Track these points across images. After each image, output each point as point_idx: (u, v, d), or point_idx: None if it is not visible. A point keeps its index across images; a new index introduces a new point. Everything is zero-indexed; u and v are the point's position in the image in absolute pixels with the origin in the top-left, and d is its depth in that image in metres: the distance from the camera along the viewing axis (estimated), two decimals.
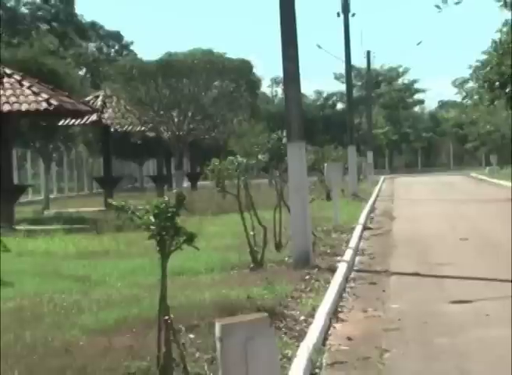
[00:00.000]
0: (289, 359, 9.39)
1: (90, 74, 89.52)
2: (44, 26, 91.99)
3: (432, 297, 14.37)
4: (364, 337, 11.46)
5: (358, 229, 24.87)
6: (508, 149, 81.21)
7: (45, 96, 31.40)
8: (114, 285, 14.92)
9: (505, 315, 12.63)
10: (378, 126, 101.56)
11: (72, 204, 45.04)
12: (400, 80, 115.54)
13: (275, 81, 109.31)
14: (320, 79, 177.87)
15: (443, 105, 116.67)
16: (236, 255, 17.72)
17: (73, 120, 42.99)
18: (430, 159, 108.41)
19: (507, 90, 33.85)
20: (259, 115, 64.57)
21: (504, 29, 31.25)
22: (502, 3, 21.18)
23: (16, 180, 40.04)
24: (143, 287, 13.97)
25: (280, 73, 17.89)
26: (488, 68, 35.17)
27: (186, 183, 54.40)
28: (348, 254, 19.08)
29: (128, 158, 60.02)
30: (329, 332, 11.74)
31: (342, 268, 16.84)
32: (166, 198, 8.67)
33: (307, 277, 15.73)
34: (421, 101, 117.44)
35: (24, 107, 30.94)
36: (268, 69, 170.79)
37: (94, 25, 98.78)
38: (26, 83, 31.87)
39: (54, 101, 31.35)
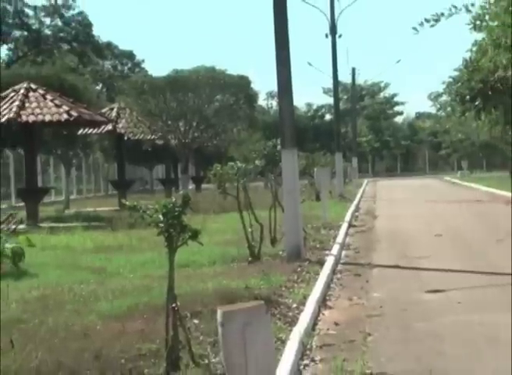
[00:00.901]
0: (283, 342, 9.39)
1: (106, 89, 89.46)
2: (65, 46, 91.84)
3: (410, 287, 14.37)
4: (349, 322, 11.45)
5: (344, 226, 24.87)
6: (477, 155, 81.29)
7: (66, 108, 31.41)
8: (127, 276, 14.92)
9: (474, 302, 12.66)
10: (362, 134, 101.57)
11: (90, 204, 44.97)
12: (381, 94, 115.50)
13: (270, 95, 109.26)
14: (310, 93, 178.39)
15: (420, 116, 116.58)
16: (236, 249, 17.72)
17: (91, 130, 42.93)
18: (408, 164, 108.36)
19: (476, 103, 33.85)
20: (256, 125, 64.43)
21: (473, 49, 31.26)
22: (471, 26, 21.13)
23: (39, 183, 39.92)
24: (153, 278, 13.97)
25: (275, 88, 17.94)
26: (459, 83, 35.17)
27: (191, 186, 54.39)
28: (335, 248, 19.09)
29: (139, 163, 60.01)
30: (318, 318, 11.73)
31: (330, 261, 16.85)
32: (173, 199, 8.66)
33: (299, 269, 15.73)
34: (400, 113, 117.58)
35: (47, 118, 30.91)
36: (264, 84, 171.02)
37: (109, 45, 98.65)
38: (49, 97, 31.86)
39: (74, 113, 31.35)
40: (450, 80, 37.43)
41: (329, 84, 73.14)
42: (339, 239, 21.26)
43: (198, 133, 45.73)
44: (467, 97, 34.19)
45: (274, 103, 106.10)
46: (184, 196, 8.68)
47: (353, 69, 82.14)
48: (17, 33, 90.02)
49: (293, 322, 10.75)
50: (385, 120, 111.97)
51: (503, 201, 37.98)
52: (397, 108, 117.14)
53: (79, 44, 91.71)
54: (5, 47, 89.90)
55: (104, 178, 64.80)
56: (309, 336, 10.34)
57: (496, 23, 20.11)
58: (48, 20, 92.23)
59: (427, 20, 21.38)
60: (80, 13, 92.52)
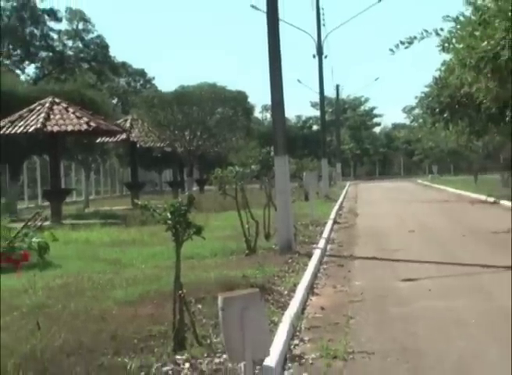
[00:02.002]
0: (276, 324, 9.39)
1: (121, 103, 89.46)
2: (85, 65, 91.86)
3: (387, 276, 14.37)
4: (333, 307, 11.45)
5: (329, 223, 24.86)
6: (446, 161, 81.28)
7: (86, 119, 31.42)
8: (139, 267, 14.92)
9: (443, 290, 12.67)
10: (345, 143, 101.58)
11: (107, 203, 44.95)
12: (361, 107, 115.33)
13: (264, 108, 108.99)
14: (300, 106, 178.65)
15: (395, 126, 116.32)
16: (234, 243, 17.72)
17: (107, 138, 43.00)
18: (385, 169, 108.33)
19: (445, 115, 33.83)
20: (252, 134, 64.46)
21: (442, 68, 31.29)
22: (441, 48, 21.18)
23: (63, 185, 39.88)
24: (161, 268, 13.96)
25: (269, 102, 17.98)
26: (430, 98, 35.14)
27: (195, 188, 54.34)
28: (322, 242, 19.08)
29: (150, 167, 59.99)
30: (307, 303, 11.72)
31: (317, 253, 16.84)
32: (180, 199, 8.67)
33: (290, 261, 15.73)
34: (378, 124, 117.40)
35: (69, 128, 30.92)
36: (259, 98, 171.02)
37: (124, 64, 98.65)
38: (71, 110, 31.86)
39: (92, 124, 31.36)
40: (422, 95, 37.36)
41: (316, 99, 73.06)
42: (325, 234, 21.25)
43: (201, 142, 45.77)
44: (437, 110, 34.17)
45: (268, 115, 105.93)
46: (189, 197, 8.68)
47: (337, 86, 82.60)
48: (43, 54, 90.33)
49: (284, 307, 10.75)
50: (365, 130, 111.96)
51: (468, 201, 38.08)
52: (376, 120, 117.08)
53: (97, 63, 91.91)
54: (32, 66, 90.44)
55: (119, 181, 64.76)
56: (298, 319, 10.34)
57: (461, 46, 20.13)
58: (70, 43, 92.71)
59: (402, 43, 21.41)
60: (98, 36, 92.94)
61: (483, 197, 38.31)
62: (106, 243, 19.82)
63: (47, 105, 32.02)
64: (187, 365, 7.92)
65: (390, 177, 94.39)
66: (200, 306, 10.37)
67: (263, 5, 18.84)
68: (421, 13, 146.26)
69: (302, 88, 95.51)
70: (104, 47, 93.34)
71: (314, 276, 14.30)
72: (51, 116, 31.29)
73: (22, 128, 30.81)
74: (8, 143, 34.22)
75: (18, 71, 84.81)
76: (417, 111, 44.15)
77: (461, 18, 20.53)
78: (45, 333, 8.97)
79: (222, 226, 21.99)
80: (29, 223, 15.96)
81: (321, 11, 51.27)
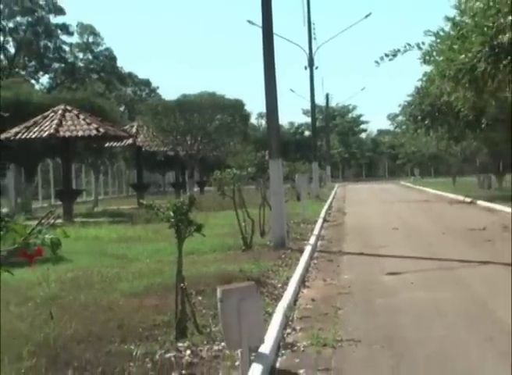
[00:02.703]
0: (270, 315, 9.39)
1: (128, 110, 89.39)
2: (95, 76, 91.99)
3: (372, 270, 14.37)
4: (323, 299, 11.45)
5: (320, 221, 24.86)
6: (427, 164, 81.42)
7: (95, 125, 31.44)
8: (144, 261, 14.92)
9: (424, 282, 12.68)
10: (334, 147, 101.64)
11: (114, 203, 44.93)
12: (349, 115, 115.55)
13: (260, 115, 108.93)
14: (292, 113, 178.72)
15: (380, 132, 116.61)
16: (232, 240, 17.71)
17: (115, 143, 42.93)
18: (371, 171, 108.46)
19: (426, 122, 33.90)
20: (249, 139, 64.43)
21: (424, 78, 31.32)
22: (422, 60, 21.22)
23: (74, 186, 39.86)
24: (164, 263, 13.94)
25: (264, 109, 18.04)
26: (412, 106, 35.24)
27: (196, 188, 54.26)
28: (312, 239, 19.08)
29: (154, 170, 59.98)
30: (299, 295, 11.72)
31: (308, 249, 16.84)
32: (182, 199, 8.67)
33: (283, 256, 15.73)
34: (365, 130, 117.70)
35: (80, 133, 30.93)
36: (255, 106, 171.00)
37: (130, 74, 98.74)
38: (81, 116, 31.88)
39: (101, 129, 31.39)
40: (405, 103, 37.47)
41: (308, 107, 73.04)
42: (316, 232, 21.25)
43: (202, 146, 45.74)
44: (419, 117, 34.25)
45: (263, 122, 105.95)
46: (190, 197, 8.68)
47: (327, 95, 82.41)
48: (56, 65, 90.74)
49: (278, 298, 10.75)
50: (353, 136, 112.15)
51: (447, 201, 38.11)
52: (362, 126, 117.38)
53: (106, 74, 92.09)
54: (46, 76, 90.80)
55: (126, 182, 64.70)
56: (291, 310, 10.33)
57: (441, 58, 20.15)
58: (81, 55, 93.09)
59: (386, 55, 21.43)
60: (107, 49, 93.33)
61: (461, 197, 38.35)
62: (114, 239, 19.83)
63: (59, 112, 32.05)
64: (188, 352, 7.92)
65: (376, 179, 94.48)
66: (200, 298, 10.38)
67: (259, 20, 18.85)
68: (404, 28, 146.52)
69: (294, 97, 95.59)
70: (112, 58, 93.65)
71: (306, 270, 14.30)
72: (64, 123, 31.31)
73: (36, 133, 30.85)
74: (23, 147, 34.29)
75: (33, 81, 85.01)
76: (400, 118, 44.28)
77: (441, 33, 20.57)
78: (57, 323, 8.97)
79: (221, 224, 21.97)
80: (42, 221, 15.94)
81: (312, 26, 51.40)
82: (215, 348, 8.03)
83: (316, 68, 51.87)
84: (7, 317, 9.44)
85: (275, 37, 18.67)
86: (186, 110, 44.67)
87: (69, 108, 32.64)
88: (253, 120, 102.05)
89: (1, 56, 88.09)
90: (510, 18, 16.31)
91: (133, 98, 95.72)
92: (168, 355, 7.78)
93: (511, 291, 10.82)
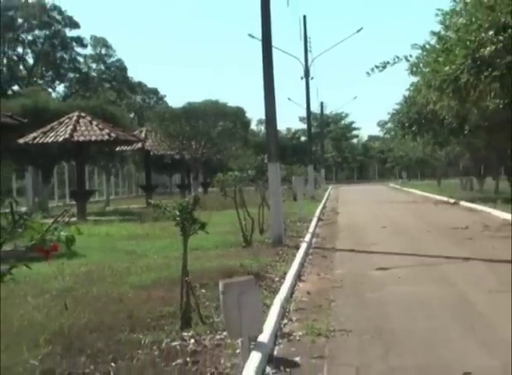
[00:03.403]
0: (268, 306, 9.38)
1: (137, 117, 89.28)
2: (107, 85, 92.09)
3: (363, 265, 14.37)
4: (318, 292, 11.45)
5: (314, 220, 24.87)
6: (414, 168, 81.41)
7: (107, 131, 31.48)
8: (152, 257, 14.92)
9: (410, 277, 12.68)
10: (328, 151, 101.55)
11: (124, 203, 44.96)
12: (342, 122, 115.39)
13: (260, 121, 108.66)
14: (290, 120, 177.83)
15: (371, 138, 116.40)
16: (233, 237, 17.71)
17: (125, 147, 42.95)
18: (362, 174, 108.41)
19: (413, 129, 33.91)
20: (249, 144, 64.48)
21: (411, 88, 31.38)
22: (410, 71, 21.26)
23: (87, 187, 39.84)
24: (171, 258, 13.93)
25: (263, 116, 18.03)
26: (400, 114, 35.25)
27: (200, 189, 54.25)
28: (308, 237, 19.08)
29: (161, 172, 59.85)
30: (295, 288, 11.72)
31: (303, 246, 16.84)
32: (187, 199, 8.68)
33: (281, 252, 15.73)
34: (356, 136, 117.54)
35: (93, 138, 30.97)
36: (255, 113, 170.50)
37: (140, 84, 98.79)
38: (94, 122, 31.91)
39: (113, 134, 31.44)
40: (394, 111, 37.47)
41: (304, 114, 72.88)
42: (311, 230, 21.26)
43: (206, 150, 45.77)
44: (406, 124, 34.26)
45: (262, 128, 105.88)
46: (195, 197, 8.69)
47: (322, 103, 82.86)
48: (71, 75, 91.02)
49: (275, 291, 10.75)
50: (345, 141, 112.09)
51: (432, 202, 38.12)
52: (354, 132, 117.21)
53: (117, 83, 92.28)
54: (62, 85, 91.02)
55: (135, 183, 64.66)
56: (288, 302, 10.34)
57: (427, 70, 20.16)
58: (94, 65, 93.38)
59: (377, 66, 21.43)
60: (118, 60, 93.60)
61: (445, 198, 38.38)
62: (124, 236, 19.83)
63: (74, 118, 32.09)
64: (192, 341, 7.93)
65: (366, 181, 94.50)
66: (203, 291, 10.38)
67: (259, 34, 18.89)
68: (393, 42, 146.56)
69: (292, 105, 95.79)
70: (123, 69, 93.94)
71: (301, 265, 14.30)
72: (78, 128, 31.33)
73: (53, 138, 30.91)
74: (41, 150, 34.39)
75: (50, 90, 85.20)
76: (389, 125, 44.13)
77: (427, 46, 20.58)
78: (72, 313, 8.98)
79: (223, 222, 21.96)
80: (58, 219, 15.92)
81: (308, 40, 51.54)
82: (218, 337, 8.03)
83: (312, 78, 51.94)
84: (25, 307, 9.47)
85: (273, 50, 18.73)
86: (191, 117, 44.73)
87: (82, 114, 32.68)
88: (253, 126, 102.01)
89: (21, 67, 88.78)
90: (490, 33, 16.33)
91: (142, 106, 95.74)
92: (173, 344, 7.79)
93: (511, 285, 10.79)
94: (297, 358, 7.47)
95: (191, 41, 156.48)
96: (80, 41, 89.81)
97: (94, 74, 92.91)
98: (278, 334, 8.47)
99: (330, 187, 67.11)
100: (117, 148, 42.50)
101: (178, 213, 8.30)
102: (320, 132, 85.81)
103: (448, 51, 18.33)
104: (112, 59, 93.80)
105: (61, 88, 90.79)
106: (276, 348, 7.97)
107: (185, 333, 8.16)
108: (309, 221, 24.01)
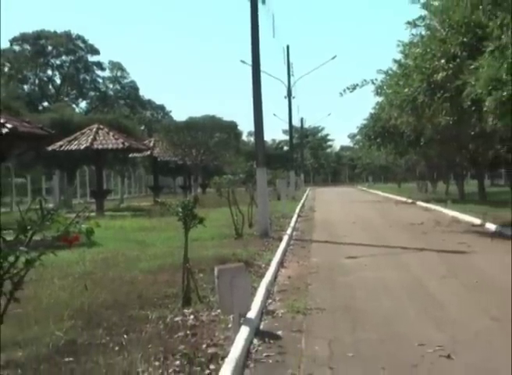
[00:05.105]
0: (256, 289, 9.40)
1: (147, 129, 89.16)
2: (122, 102, 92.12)
3: (335, 255, 14.40)
4: (297, 276, 11.47)
5: (295, 216, 24.89)
6: (378, 173, 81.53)
7: (121, 140, 31.40)
8: (158, 246, 14.88)
9: (375, 264, 12.71)
10: (307, 159, 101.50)
11: (136, 201, 44.85)
12: (319, 134, 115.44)
13: (249, 133, 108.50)
14: (274, 132, 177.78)
15: (343, 148, 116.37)
16: (227, 230, 17.68)
17: (137, 154, 42.87)
18: (335, 178, 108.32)
19: (378, 140, 33.91)
20: (240, 152, 64.48)
21: (376, 106, 31.48)
22: (375, 92, 21.33)
23: (104, 187, 39.73)
24: (174, 247, 13.90)
25: (253, 129, 18.09)
26: (367, 128, 35.21)
27: (199, 190, 54.14)
28: (289, 230, 19.10)
29: (167, 175, 59.64)
30: (278, 274, 11.74)
31: (285, 238, 16.87)
32: (188, 198, 8.68)
33: (266, 243, 15.74)
34: (331, 146, 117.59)
35: (110, 146, 30.92)
36: (246, 126, 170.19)
37: (149, 101, 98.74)
38: (111, 133, 31.83)
39: (126, 143, 31.37)
40: (362, 126, 37.39)
41: (286, 127, 72.97)
42: (292, 224, 21.28)
43: (204, 157, 45.68)
44: (372, 136, 34.23)
45: (252, 139, 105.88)
46: (195, 197, 8.72)
47: (302, 118, 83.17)
48: (92, 93, 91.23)
49: (262, 276, 10.76)
50: (321, 150, 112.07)
51: (393, 202, 38.21)
52: (329, 143, 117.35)
53: (130, 100, 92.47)
54: (84, 102, 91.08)
55: (145, 184, 64.42)
56: (272, 285, 10.36)
57: (390, 91, 20.20)
58: (111, 85, 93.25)
59: (348, 88, 21.47)
60: (131, 81, 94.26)
61: (404, 199, 38.48)
62: (135, 229, 19.77)
63: (94, 129, 32.03)
64: (192, 316, 7.93)
65: (339, 184, 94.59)
66: (201, 275, 10.37)
67: (249, 60, 18.93)
68: (362, 67, 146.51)
69: (276, 119, 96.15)
70: (135, 89, 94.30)
71: (284, 254, 14.32)
72: (97, 138, 31.27)
73: (76, 146, 30.86)
74: (66, 157, 34.32)
75: (74, 105, 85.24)
76: (358, 137, 44.12)
77: (390, 72, 20.64)
78: (91, 293, 8.96)
79: (218, 218, 21.91)
80: (80, 214, 15.92)
81: (290, 65, 51.66)
82: (213, 314, 8.04)
83: (293, 97, 52.28)
84: (52, 288, 9.45)
85: (261, 74, 18.76)
86: (192, 129, 44.71)
87: (101, 126, 32.60)
88: (244, 137, 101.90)
89: (50, 86, 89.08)
90: (442, 61, 16.39)
91: (151, 120, 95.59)
92: (176, 319, 7.79)
93: (511, 273, 10.77)
94: (279, 332, 7.48)
95: (194, 65, 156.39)
96: (99, 65, 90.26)
97: (111, 93, 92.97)
98: (263, 312, 8.48)
99: (308, 189, 67.13)
100: (130, 155, 42.44)
101: (180, 210, 8.31)
102: (300, 143, 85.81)
103: (407, 76, 18.38)
104: (126, 81, 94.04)
105: (83, 105, 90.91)
106: (262, 323, 7.98)
107: (185, 311, 8.16)
108: (290, 217, 24.02)
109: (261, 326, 7.80)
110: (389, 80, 20.66)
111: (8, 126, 20.54)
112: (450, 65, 16.30)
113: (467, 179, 43.01)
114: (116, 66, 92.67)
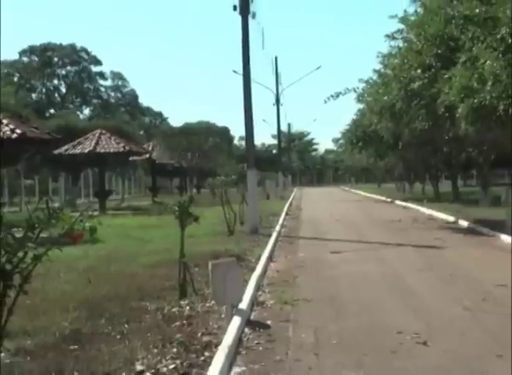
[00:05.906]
0: (247, 281, 9.39)
1: (146, 134, 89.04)
2: (122, 109, 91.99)
3: (321, 250, 14.41)
4: (285, 270, 11.48)
5: (283, 215, 24.90)
6: (360, 174, 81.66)
7: (122, 144, 31.42)
8: (157, 242, 14.86)
9: (356, 259, 12.73)
10: (294, 161, 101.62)
11: (135, 200, 44.69)
12: (305, 138, 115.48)
13: (241, 138, 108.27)
14: (264, 137, 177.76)
15: (327, 151, 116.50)
16: (220, 227, 17.64)
17: (136, 157, 42.74)
18: (320, 179, 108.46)
19: (359, 144, 33.87)
20: (232, 155, 64.50)
21: (358, 113, 31.58)
22: (357, 100, 21.46)
23: (106, 188, 39.61)
24: (171, 244, 13.85)
25: (244, 134, 18.03)
26: (349, 133, 35.21)
27: (194, 190, 54.14)
28: (277, 227, 19.11)
29: (165, 177, 59.56)
30: (268, 268, 11.74)
31: (274, 235, 16.86)
32: (184, 198, 8.67)
33: (256, 240, 15.74)
34: (316, 149, 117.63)
35: (111, 150, 30.94)
36: (237, 131, 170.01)
37: (148, 108, 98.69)
38: (112, 138, 31.87)
39: (127, 147, 31.38)
40: (345, 130, 37.38)
41: (275, 132, 72.70)
42: (280, 222, 21.29)
43: (199, 160, 45.84)
44: (354, 141, 34.22)
45: (243, 143, 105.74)
46: (190, 196, 8.71)
47: (289, 124, 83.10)
48: (95, 101, 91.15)
49: (252, 270, 10.75)
50: (307, 153, 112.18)
51: (373, 201, 38.33)
52: (314, 147, 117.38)
53: (130, 107, 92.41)
54: (87, 109, 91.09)
55: (144, 185, 64.36)
56: (262, 278, 10.36)
57: (370, 99, 20.25)
58: (112, 94, 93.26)
59: (332, 96, 21.40)
60: (132, 90, 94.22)
61: (383, 198, 38.59)
62: (135, 226, 19.73)
63: (96, 134, 32.03)
64: (188, 307, 7.92)
65: (323, 184, 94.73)
66: (197, 269, 10.34)
67: (241, 69, 18.92)
68: (345, 76, 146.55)
69: (265, 125, 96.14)
70: (135, 97, 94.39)
71: (273, 250, 14.32)
72: (100, 142, 31.26)
73: (80, 150, 30.88)
74: (71, 159, 34.15)
75: (78, 112, 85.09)
76: (341, 141, 44.09)
77: (370, 81, 20.71)
78: (94, 286, 8.93)
79: (212, 216, 21.91)
80: (83, 213, 15.87)
81: (278, 75, 51.66)
82: (207, 305, 8.03)
83: (281, 105, 52.23)
84: (58, 281, 9.42)
85: (251, 83, 18.81)
86: (187, 134, 44.91)
87: (103, 132, 32.60)
88: (235, 142, 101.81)
89: (56, 95, 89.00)
90: (418, 71, 16.43)
91: (150, 125, 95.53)
92: (173, 310, 7.79)
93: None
94: (269, 322, 7.49)
95: (190, 74, 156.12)
96: (102, 75, 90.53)
97: (112, 101, 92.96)
98: (254, 303, 8.48)
99: (295, 189, 67.19)
100: (130, 158, 42.30)
101: (177, 209, 8.31)
102: (288, 146, 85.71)
103: (386, 84, 18.42)
104: (127, 89, 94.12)
105: (87, 111, 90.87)
106: (253, 313, 7.98)
107: (182, 302, 8.15)
108: (279, 215, 24.02)
109: (252, 316, 7.79)
110: (369, 89, 20.71)
111: (18, 131, 20.53)
112: (426, 74, 16.35)
113: (442, 180, 43.09)
114: (117, 75, 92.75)
